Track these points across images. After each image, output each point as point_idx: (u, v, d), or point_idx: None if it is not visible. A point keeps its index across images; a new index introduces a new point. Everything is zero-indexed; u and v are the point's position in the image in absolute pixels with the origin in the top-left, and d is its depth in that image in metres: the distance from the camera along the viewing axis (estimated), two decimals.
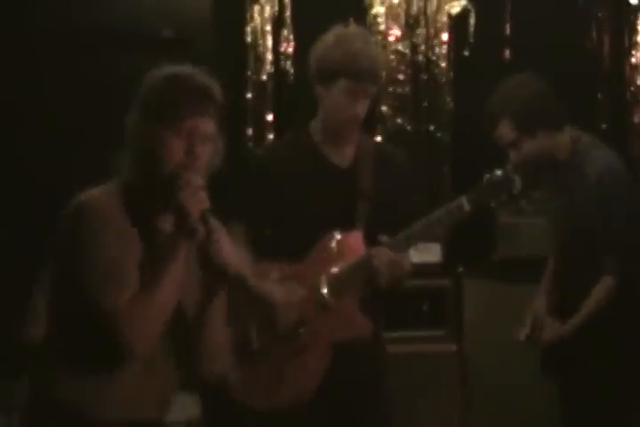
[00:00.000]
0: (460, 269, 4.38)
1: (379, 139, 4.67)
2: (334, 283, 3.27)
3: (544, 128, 3.66)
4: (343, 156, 3.33)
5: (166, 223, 2.52)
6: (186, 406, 3.67)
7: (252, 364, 3.31)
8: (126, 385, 2.51)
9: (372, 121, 4.75)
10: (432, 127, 4.85)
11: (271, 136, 4.83)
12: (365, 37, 3.37)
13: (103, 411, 2.50)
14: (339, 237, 3.28)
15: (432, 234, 3.33)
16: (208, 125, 2.47)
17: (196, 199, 2.42)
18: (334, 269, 3.27)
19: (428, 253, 4.26)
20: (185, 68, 2.51)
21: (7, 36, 4.48)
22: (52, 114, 4.56)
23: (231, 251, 2.50)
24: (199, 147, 2.45)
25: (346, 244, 3.27)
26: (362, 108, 3.26)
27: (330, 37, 3.35)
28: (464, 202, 3.20)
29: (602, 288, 3.54)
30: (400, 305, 4.19)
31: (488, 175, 3.23)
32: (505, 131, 3.59)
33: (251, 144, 4.80)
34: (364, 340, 3.26)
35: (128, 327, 2.38)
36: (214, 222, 2.44)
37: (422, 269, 3.84)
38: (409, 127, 4.86)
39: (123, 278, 2.42)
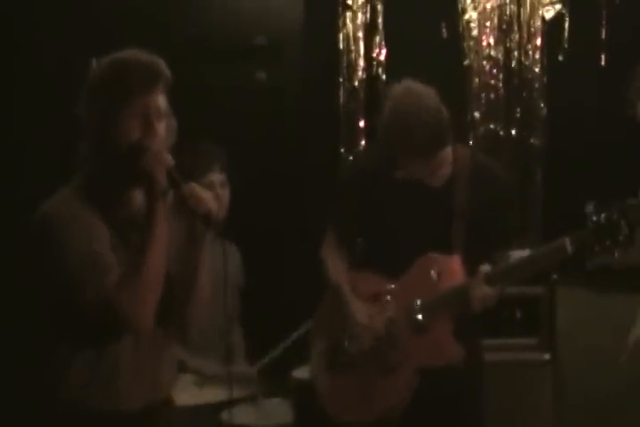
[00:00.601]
0: (554, 277, 4.30)
1: (472, 147, 4.66)
2: (429, 307, 3.29)
3: None
4: (437, 173, 3.31)
5: (135, 200, 2.58)
6: (277, 411, 3.69)
7: (342, 375, 3.38)
8: (126, 370, 2.56)
9: (463, 127, 4.75)
10: (525, 133, 4.81)
11: (363, 142, 4.85)
12: (425, 103, 3.24)
13: (108, 402, 2.56)
14: (438, 260, 3.30)
15: (530, 272, 3.30)
16: (160, 101, 2.51)
17: (160, 161, 2.46)
18: (431, 293, 3.29)
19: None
20: (125, 51, 2.56)
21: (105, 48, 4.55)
22: None
23: (209, 197, 2.52)
24: (155, 124, 2.50)
25: (445, 268, 3.29)
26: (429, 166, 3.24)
27: (388, 110, 3.26)
28: (567, 243, 3.13)
29: None
30: (493, 313, 4.16)
31: (595, 218, 3.15)
32: None
33: (343, 150, 4.82)
34: (455, 366, 3.25)
35: (126, 306, 2.42)
36: (181, 179, 2.48)
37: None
38: (501, 133, 4.83)
39: (102, 266, 2.45)
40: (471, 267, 3.26)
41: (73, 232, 2.47)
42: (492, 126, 4.83)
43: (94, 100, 2.51)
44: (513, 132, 4.82)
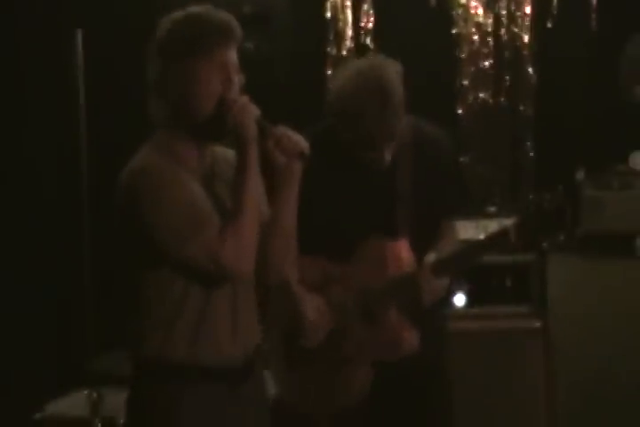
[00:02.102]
0: (545, 244, 4.33)
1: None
2: (378, 295, 3.20)
3: None
4: (381, 158, 3.17)
5: (212, 153, 2.62)
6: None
7: (299, 366, 3.30)
8: (228, 325, 2.58)
9: (452, 94, 4.75)
10: (514, 101, 4.80)
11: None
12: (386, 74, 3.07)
13: (213, 356, 2.56)
14: (384, 244, 3.20)
15: (476, 259, 3.25)
16: (235, 56, 2.54)
17: (248, 111, 2.50)
18: (379, 279, 3.20)
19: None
20: (196, 7, 2.56)
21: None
22: None
23: (298, 135, 2.55)
24: (233, 77, 2.52)
25: (391, 253, 3.20)
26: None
27: (348, 82, 3.10)
28: (510, 231, 3.06)
29: None
30: (483, 281, 4.18)
31: (535, 199, 3.04)
32: None
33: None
34: (412, 354, 3.17)
35: (229, 257, 2.46)
36: (269, 125, 2.53)
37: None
38: (491, 101, 4.82)
39: (204, 218, 2.49)
40: (421, 248, 3.18)
41: (172, 186, 2.48)
42: (481, 95, 4.82)
43: (173, 56, 2.51)
44: (502, 100, 4.81)
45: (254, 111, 2.51)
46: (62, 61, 4.38)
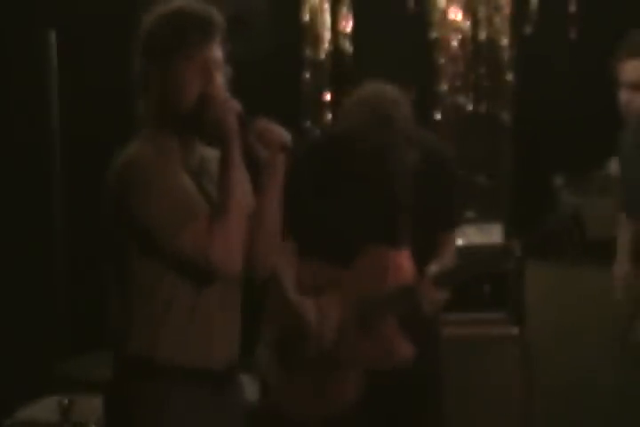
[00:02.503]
0: (521, 253, 4.33)
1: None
2: (375, 303, 3.22)
3: None
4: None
5: (198, 149, 2.62)
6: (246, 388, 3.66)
7: (292, 369, 3.30)
8: (216, 326, 2.56)
9: (430, 100, 4.74)
10: (493, 107, 4.83)
11: (329, 116, 4.84)
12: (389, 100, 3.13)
13: (201, 359, 2.54)
14: (385, 253, 3.22)
15: (478, 272, 3.29)
16: (218, 52, 2.54)
17: (229, 107, 2.49)
18: (378, 288, 3.21)
19: (489, 234, 4.26)
20: (178, 3, 2.54)
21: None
22: None
23: (279, 128, 2.55)
24: (215, 74, 2.52)
25: (392, 262, 3.21)
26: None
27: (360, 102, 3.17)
28: (515, 248, 3.12)
29: None
30: (460, 287, 4.17)
31: (543, 221, 3.08)
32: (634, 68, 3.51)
33: (308, 124, 4.81)
34: (406, 364, 3.18)
35: (218, 251, 2.46)
36: (249, 119, 2.52)
37: (484, 252, 3.82)
38: (469, 108, 4.85)
39: (194, 211, 2.48)
40: (421, 256, 3.21)
41: (162, 177, 2.48)
42: (459, 101, 4.84)
43: (154, 54, 2.52)
44: (481, 105, 4.85)
45: (235, 106, 2.51)
46: (36, 62, 4.37)
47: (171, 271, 2.50)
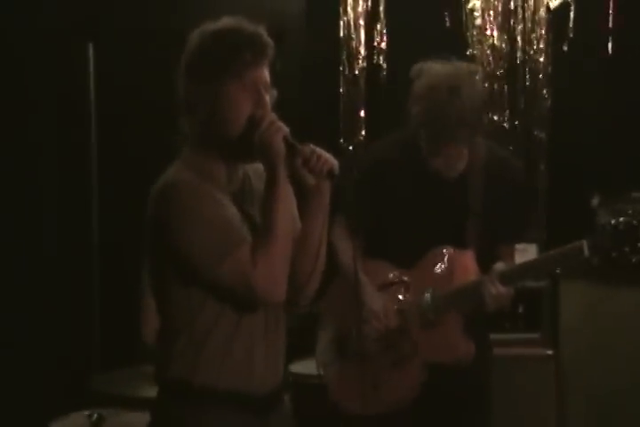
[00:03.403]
0: (558, 271, 4.22)
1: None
2: (442, 301, 3.27)
3: None
4: (452, 166, 3.29)
5: (240, 173, 2.57)
6: None
7: (351, 365, 3.35)
8: (244, 352, 2.52)
9: None
10: (529, 125, 4.82)
11: (363, 132, 4.84)
12: (464, 84, 3.18)
13: (241, 384, 2.52)
14: (451, 253, 3.29)
15: (544, 273, 3.31)
16: (266, 73, 2.48)
17: (276, 130, 2.43)
18: (443, 287, 3.28)
19: (525, 254, 4.19)
20: (227, 21, 2.49)
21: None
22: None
23: (328, 154, 2.48)
24: (264, 96, 2.46)
25: (458, 262, 3.28)
26: (453, 153, 3.22)
27: (428, 85, 3.21)
28: (585, 247, 3.08)
29: None
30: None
31: (613, 221, 3.08)
32: None
33: (342, 141, 4.80)
34: (465, 362, 3.25)
35: (261, 280, 2.40)
36: (297, 143, 2.47)
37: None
38: (505, 124, 4.83)
39: (237, 238, 2.43)
40: (483, 263, 3.24)
41: (204, 203, 2.43)
42: (495, 117, 4.82)
43: (202, 76, 2.46)
44: (517, 123, 4.82)
45: (282, 129, 2.45)
46: (74, 74, 4.41)
47: (212, 298, 2.47)
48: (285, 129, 2.45)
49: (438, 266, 3.30)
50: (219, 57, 2.44)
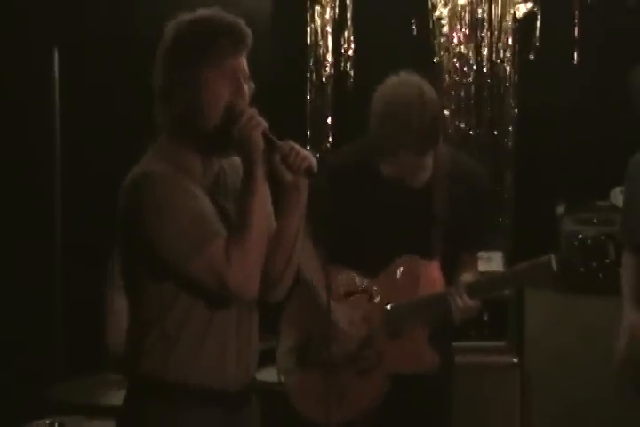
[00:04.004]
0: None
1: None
2: (406, 311, 3.27)
3: None
4: (418, 175, 3.28)
5: (215, 166, 2.53)
6: None
7: (314, 373, 3.32)
8: (216, 347, 2.51)
9: None
10: (495, 132, 4.83)
11: (330, 139, 4.83)
12: (419, 99, 3.17)
13: (202, 378, 2.49)
14: (416, 263, 3.27)
15: (512, 286, 3.30)
16: (245, 62, 2.46)
17: (256, 124, 2.40)
18: (408, 297, 3.27)
19: (490, 262, 4.23)
20: (204, 11, 2.47)
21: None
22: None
23: (306, 151, 2.48)
24: (243, 85, 2.44)
25: (423, 272, 3.27)
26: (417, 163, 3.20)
27: (384, 99, 3.20)
28: (553, 262, 3.10)
29: None
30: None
31: (581, 236, 3.13)
32: None
33: (309, 147, 4.79)
34: (430, 372, 3.24)
35: (235, 273, 2.38)
36: (276, 139, 2.45)
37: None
38: (471, 132, 4.85)
39: (212, 231, 2.41)
40: (448, 272, 3.25)
41: (177, 195, 2.40)
42: (462, 125, 4.83)
43: (180, 64, 2.42)
44: (483, 130, 4.85)
45: (262, 124, 2.42)
46: (39, 78, 4.38)
47: (184, 293, 2.45)
48: (265, 124, 2.42)
49: (403, 275, 3.28)
50: (196, 44, 2.41)
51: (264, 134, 2.41)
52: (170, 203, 2.39)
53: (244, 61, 2.45)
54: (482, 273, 3.47)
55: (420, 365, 3.24)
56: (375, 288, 3.32)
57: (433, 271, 3.25)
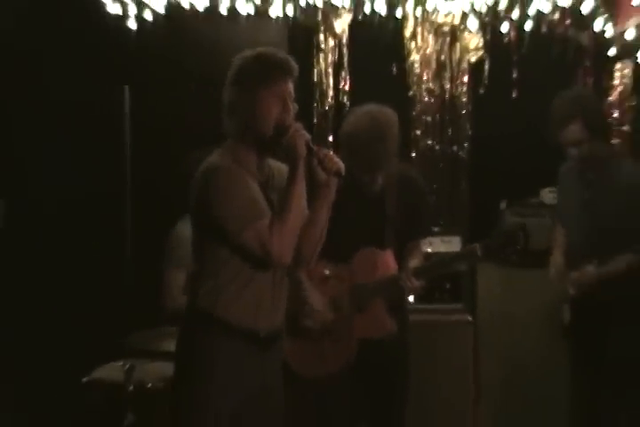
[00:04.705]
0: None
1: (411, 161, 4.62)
2: (368, 291, 3.24)
3: (606, 134, 3.62)
4: (374, 182, 3.27)
5: (267, 165, 2.59)
6: None
7: (300, 340, 3.27)
8: (253, 298, 2.55)
9: (406, 142, 4.78)
10: (455, 148, 4.78)
11: (332, 152, 4.82)
12: (380, 117, 3.15)
13: (250, 321, 2.54)
14: (375, 252, 3.23)
15: (448, 270, 3.34)
16: (291, 87, 2.54)
17: (300, 135, 2.49)
18: (369, 280, 3.22)
19: (451, 244, 4.21)
20: (264, 48, 2.56)
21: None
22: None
23: (337, 158, 2.53)
24: (290, 104, 2.52)
25: (380, 260, 3.24)
26: (393, 149, 3.17)
27: (344, 130, 3.19)
28: (477, 249, 3.12)
29: (622, 260, 3.40)
30: (428, 284, 4.17)
31: (501, 229, 3.06)
32: (576, 129, 3.39)
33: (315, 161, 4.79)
34: (390, 336, 3.23)
35: (275, 246, 2.43)
36: (315, 147, 2.53)
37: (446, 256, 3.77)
38: (437, 148, 4.79)
39: (260, 211, 2.48)
40: (400, 258, 3.23)
41: (237, 184, 2.46)
42: (429, 142, 4.79)
43: (245, 86, 2.50)
44: (445, 147, 4.78)
45: (305, 136, 2.51)
46: (111, 114, 4.24)
47: (236, 257, 2.51)
48: (307, 136, 2.51)
49: (365, 263, 3.22)
50: (256, 72, 2.50)
51: (307, 144, 2.50)
52: (230, 189, 2.45)
53: (290, 87, 2.53)
54: (427, 257, 3.46)
55: (382, 331, 3.22)
56: (344, 274, 3.27)
57: (387, 259, 3.23)
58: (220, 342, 2.54)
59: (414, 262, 3.23)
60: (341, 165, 2.52)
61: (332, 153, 2.54)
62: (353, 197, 3.21)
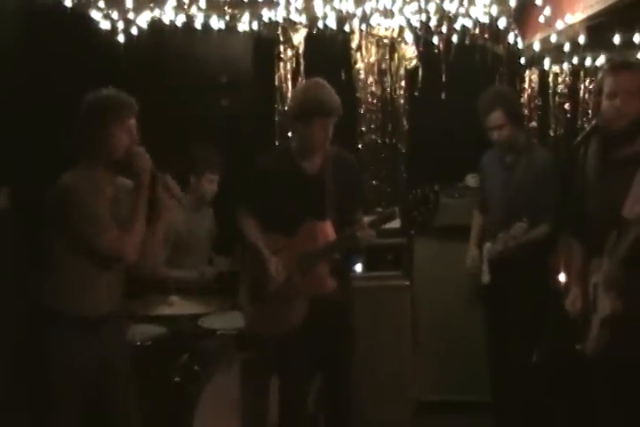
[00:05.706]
0: (412, 232, 4.34)
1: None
2: (315, 255, 3.19)
3: (522, 121, 3.79)
4: (313, 165, 3.24)
5: (116, 184, 2.64)
6: (235, 320, 3.46)
7: (260, 303, 3.26)
8: (102, 287, 2.60)
9: (353, 137, 4.78)
10: (394, 141, 4.80)
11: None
12: (326, 85, 3.19)
13: (84, 308, 2.58)
14: (316, 224, 3.19)
15: (386, 222, 3.20)
16: (134, 123, 2.59)
17: (145, 161, 2.56)
18: (313, 247, 3.18)
19: (391, 222, 4.21)
20: (105, 90, 2.60)
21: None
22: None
23: (174, 183, 2.61)
24: (135, 135, 2.58)
25: (321, 230, 3.19)
26: (329, 134, 3.16)
27: (304, 87, 3.24)
28: (396, 211, 3.17)
29: (540, 229, 3.52)
30: (373, 255, 4.18)
31: (412, 194, 3.11)
32: (497, 116, 3.56)
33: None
34: (334, 294, 3.20)
35: (124, 249, 2.53)
36: (157, 172, 2.60)
37: (387, 232, 3.80)
38: (379, 141, 4.82)
39: (106, 223, 2.54)
40: (338, 228, 3.19)
41: (87, 202, 2.52)
42: (373, 137, 4.81)
43: (97, 121, 2.55)
44: (386, 140, 4.80)
45: (149, 162, 2.59)
46: None
47: (82, 257, 2.56)
48: (150, 162, 2.58)
49: (309, 233, 3.17)
50: (106, 110, 2.56)
51: (150, 168, 2.57)
52: (79, 206, 2.50)
53: (134, 120, 2.59)
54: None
55: (324, 288, 3.16)
56: (293, 244, 3.20)
57: (327, 229, 3.18)
58: (58, 329, 2.57)
59: (368, 218, 3.20)
60: (179, 191, 2.62)
61: (172, 180, 2.61)
62: (296, 176, 3.21)
